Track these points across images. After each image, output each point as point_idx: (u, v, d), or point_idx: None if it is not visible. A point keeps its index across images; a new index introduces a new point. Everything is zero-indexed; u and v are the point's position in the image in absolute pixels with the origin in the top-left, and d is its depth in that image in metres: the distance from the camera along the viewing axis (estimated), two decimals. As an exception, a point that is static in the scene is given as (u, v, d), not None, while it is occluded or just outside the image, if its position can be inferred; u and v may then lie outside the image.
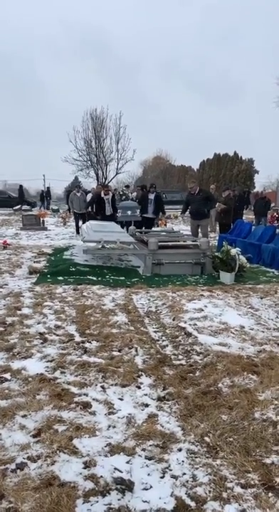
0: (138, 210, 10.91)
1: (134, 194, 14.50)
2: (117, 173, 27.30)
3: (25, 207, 23.04)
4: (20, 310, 4.30)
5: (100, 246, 6.94)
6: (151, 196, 10.73)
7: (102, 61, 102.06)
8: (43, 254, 8.17)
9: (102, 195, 10.45)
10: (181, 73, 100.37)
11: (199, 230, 9.05)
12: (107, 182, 25.23)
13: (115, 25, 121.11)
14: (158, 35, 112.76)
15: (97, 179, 26.78)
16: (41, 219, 14.59)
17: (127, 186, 16.65)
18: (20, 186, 27.11)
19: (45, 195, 28.07)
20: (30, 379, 2.75)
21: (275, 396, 2.54)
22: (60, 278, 5.97)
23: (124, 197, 13.26)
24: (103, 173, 27.19)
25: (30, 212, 17.34)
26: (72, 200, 12.50)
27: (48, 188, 29.63)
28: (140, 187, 13.99)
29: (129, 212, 10.86)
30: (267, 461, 1.96)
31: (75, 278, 6.04)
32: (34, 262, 7.28)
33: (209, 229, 13.94)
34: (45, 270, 6.49)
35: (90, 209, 11.56)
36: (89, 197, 12.41)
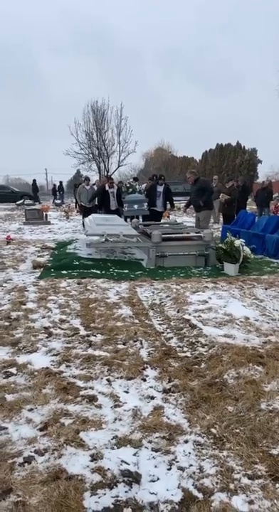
0: (145, 204, 10.30)
1: (143, 186, 13.38)
2: (119, 166, 27.11)
3: (27, 201, 23.03)
4: (24, 304, 4.31)
5: (104, 239, 6.93)
6: (160, 189, 10.16)
7: (103, 52, 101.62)
8: (47, 248, 8.17)
9: (107, 187, 9.97)
10: (183, 63, 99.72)
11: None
12: (109, 175, 25.10)
13: (115, 15, 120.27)
14: (158, 25, 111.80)
15: (99, 172, 26.64)
16: (44, 213, 14.58)
17: (136, 179, 15.26)
18: (34, 181, 27.15)
19: (58, 189, 27.90)
20: (35, 373, 2.76)
21: (281, 387, 2.54)
22: (64, 272, 5.98)
23: (131, 189, 12.37)
24: (105, 165, 27.03)
25: (33, 207, 17.32)
26: (81, 193, 11.97)
27: (61, 182, 29.43)
28: (150, 178, 12.99)
29: (135, 206, 10.26)
30: (274, 451, 1.96)
31: (78, 272, 6.04)
32: (38, 256, 7.29)
33: (212, 220, 13.88)
34: (49, 264, 6.49)
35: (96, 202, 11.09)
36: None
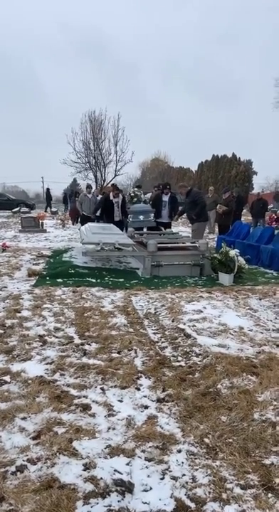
0: (152, 215, 9.59)
1: (148, 195, 12.64)
2: (115, 175, 27.33)
3: (24, 209, 23.07)
4: (19, 312, 4.30)
5: (99, 248, 6.94)
6: (166, 198, 9.46)
7: (101, 63, 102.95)
8: (42, 256, 8.17)
9: (111, 197, 9.31)
10: (180, 74, 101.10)
11: None
12: (105, 184, 25.23)
13: (113, 26, 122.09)
14: (156, 36, 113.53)
15: (96, 181, 26.81)
16: (40, 221, 14.58)
17: (139, 186, 14.00)
18: (48, 189, 27.25)
19: (69, 198, 27.79)
20: (29, 381, 2.75)
21: (274, 397, 2.55)
22: (60, 280, 5.98)
23: (135, 199, 11.51)
24: (102, 175, 27.23)
25: (29, 215, 17.32)
26: (82, 202, 11.51)
27: (72, 190, 29.23)
28: (156, 187, 12.16)
29: (141, 217, 9.53)
30: (267, 461, 1.97)
31: (74, 280, 6.04)
32: (33, 264, 7.28)
33: (208, 230, 13.97)
34: (44, 272, 6.49)
35: (98, 214, 10.39)
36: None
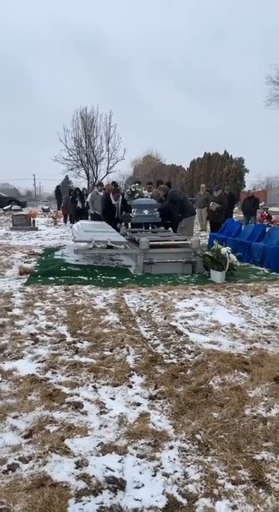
0: (156, 209, 9.15)
1: (148, 192, 11.88)
2: (107, 173, 27.29)
3: (15, 206, 22.92)
4: (10, 311, 4.27)
5: (91, 246, 6.92)
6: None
7: (92, 60, 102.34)
8: (34, 254, 8.12)
9: (113, 201, 8.87)
10: (171, 73, 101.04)
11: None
12: (97, 182, 25.14)
13: (105, 24, 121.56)
14: (148, 34, 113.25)
15: (88, 178, 26.74)
16: (31, 219, 14.50)
17: (138, 183, 12.73)
18: (57, 187, 27.11)
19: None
20: (21, 380, 2.73)
21: (265, 393, 2.58)
22: (51, 278, 5.95)
23: (137, 194, 10.60)
24: (94, 172, 27.17)
25: (20, 212, 17.20)
26: (94, 200, 11.25)
27: (84, 188, 29.04)
28: (150, 184, 11.83)
29: (145, 212, 8.99)
30: (258, 457, 1.99)
31: (66, 278, 6.02)
32: (24, 262, 7.23)
33: (200, 228, 14.02)
34: (36, 270, 6.45)
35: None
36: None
